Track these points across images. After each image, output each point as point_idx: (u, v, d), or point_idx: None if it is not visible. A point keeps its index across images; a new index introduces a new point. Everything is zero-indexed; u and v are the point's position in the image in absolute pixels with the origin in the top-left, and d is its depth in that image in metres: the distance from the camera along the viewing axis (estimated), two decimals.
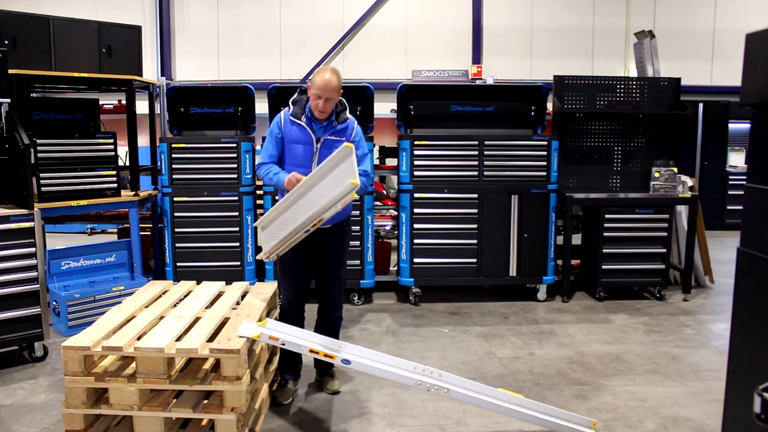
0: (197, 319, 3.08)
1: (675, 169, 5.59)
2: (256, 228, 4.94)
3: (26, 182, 3.89)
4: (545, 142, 5.32)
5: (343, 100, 3.40)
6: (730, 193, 9.33)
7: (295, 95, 3.39)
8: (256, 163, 3.52)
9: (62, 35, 4.81)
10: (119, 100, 7.92)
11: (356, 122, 3.45)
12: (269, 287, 3.67)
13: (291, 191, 3.18)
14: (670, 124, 5.87)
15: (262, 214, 3.79)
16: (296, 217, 3.10)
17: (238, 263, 5.36)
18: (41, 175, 4.58)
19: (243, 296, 3.58)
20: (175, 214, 5.30)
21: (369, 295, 5.63)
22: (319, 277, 3.49)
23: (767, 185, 2.17)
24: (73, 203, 4.75)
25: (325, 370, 3.63)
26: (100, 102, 5.88)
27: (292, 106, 3.37)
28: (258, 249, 5.50)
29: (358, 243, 5.21)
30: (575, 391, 3.62)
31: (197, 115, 5.56)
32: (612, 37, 10.69)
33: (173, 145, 5.28)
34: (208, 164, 5.31)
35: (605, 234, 5.37)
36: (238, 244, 5.33)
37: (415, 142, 5.25)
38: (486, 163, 5.29)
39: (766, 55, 2.15)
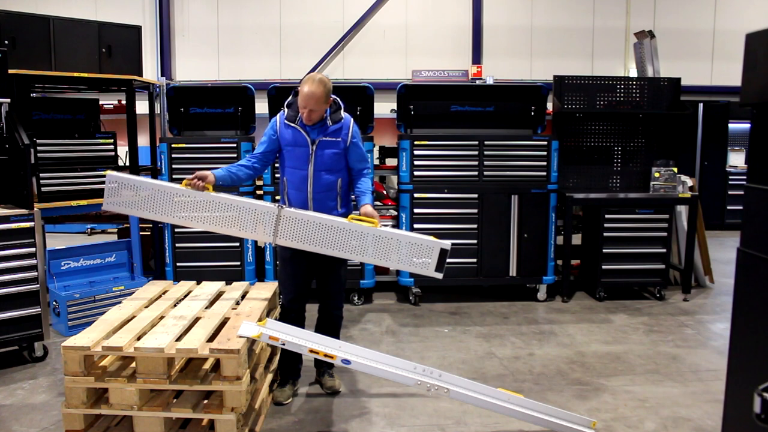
0: (197, 319, 3.08)
1: (675, 169, 5.60)
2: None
3: (26, 182, 3.89)
4: (545, 142, 5.32)
5: (338, 99, 3.40)
6: (730, 193, 9.33)
7: (290, 98, 3.39)
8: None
9: (62, 35, 4.81)
10: (119, 100, 7.93)
11: (352, 120, 3.44)
12: (269, 287, 3.67)
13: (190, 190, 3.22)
14: (670, 124, 5.87)
15: None
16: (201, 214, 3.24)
17: (238, 263, 5.36)
18: (41, 175, 4.59)
19: (243, 296, 3.58)
20: None
21: (369, 295, 5.63)
22: (320, 276, 3.50)
23: (767, 185, 2.17)
24: (73, 203, 4.75)
25: (325, 370, 3.63)
26: (100, 102, 5.89)
27: (286, 110, 3.37)
28: (258, 249, 5.50)
29: None
30: (575, 391, 3.62)
31: (197, 115, 5.56)
32: (612, 37, 10.69)
33: (173, 145, 5.28)
34: (208, 164, 5.27)
35: (605, 234, 5.37)
36: (238, 244, 5.33)
37: (415, 142, 5.25)
38: (486, 163, 5.29)
39: (766, 55, 2.15)
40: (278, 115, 3.43)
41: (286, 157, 3.39)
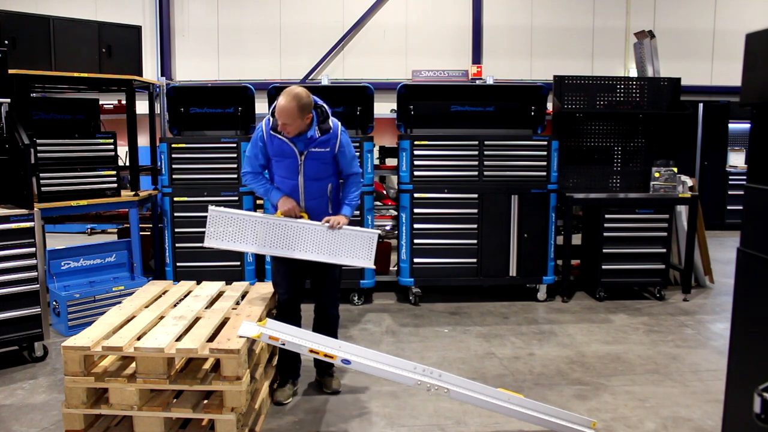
0: (197, 320, 3.08)
1: (675, 169, 5.59)
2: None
3: (26, 182, 3.89)
4: (545, 142, 5.31)
5: (325, 107, 3.33)
6: (730, 193, 9.33)
7: (274, 105, 3.25)
8: (242, 170, 3.50)
9: (62, 35, 4.81)
10: (119, 100, 7.92)
11: (340, 127, 3.37)
12: (269, 287, 3.67)
13: (286, 218, 3.31)
14: (670, 124, 5.87)
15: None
16: (277, 240, 3.32)
17: (238, 263, 5.36)
18: (41, 175, 4.58)
19: (243, 296, 3.58)
20: (175, 214, 5.30)
21: (369, 295, 5.63)
22: (314, 276, 3.50)
23: (767, 185, 2.17)
24: (73, 203, 4.75)
25: (325, 369, 3.62)
26: (100, 102, 5.88)
27: (272, 118, 3.28)
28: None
29: None
30: (575, 391, 3.62)
31: (197, 115, 5.57)
32: (612, 37, 10.69)
33: (173, 145, 5.28)
34: (208, 164, 5.31)
35: (605, 234, 5.37)
36: None
37: (415, 142, 5.25)
38: (486, 163, 5.29)
39: (766, 55, 2.15)
40: (263, 123, 3.34)
41: (275, 166, 3.39)
